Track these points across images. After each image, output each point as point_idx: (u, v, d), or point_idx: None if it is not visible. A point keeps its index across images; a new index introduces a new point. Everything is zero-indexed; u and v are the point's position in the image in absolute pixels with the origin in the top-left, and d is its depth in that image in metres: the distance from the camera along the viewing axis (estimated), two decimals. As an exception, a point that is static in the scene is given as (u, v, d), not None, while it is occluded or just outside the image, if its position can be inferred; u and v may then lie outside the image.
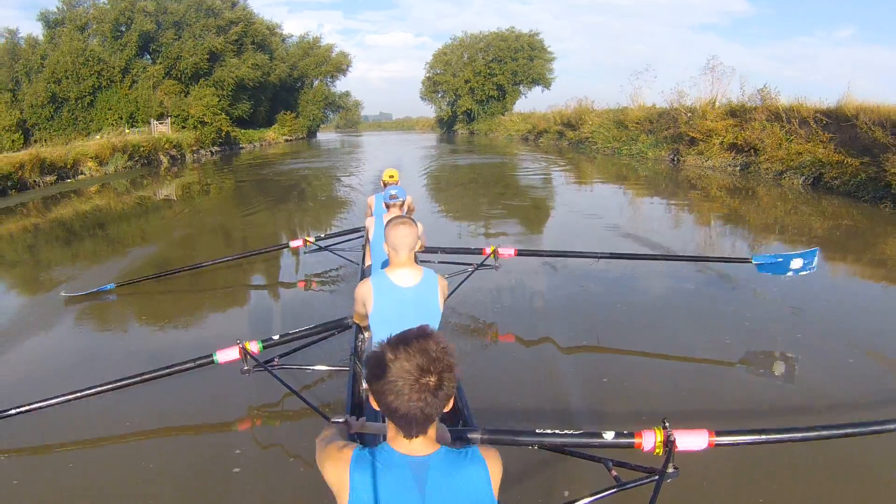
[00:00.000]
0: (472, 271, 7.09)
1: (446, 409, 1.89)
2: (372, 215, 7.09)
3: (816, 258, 7.24)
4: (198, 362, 4.66)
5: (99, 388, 4.70)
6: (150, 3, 43.46)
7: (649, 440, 2.77)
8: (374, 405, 1.87)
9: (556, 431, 2.87)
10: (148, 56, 45.08)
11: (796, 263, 7.22)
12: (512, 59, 66.57)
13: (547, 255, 8.55)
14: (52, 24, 43.59)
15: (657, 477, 2.77)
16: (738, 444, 2.96)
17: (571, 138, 38.28)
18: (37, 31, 46.89)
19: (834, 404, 5.00)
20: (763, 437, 3.01)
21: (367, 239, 6.36)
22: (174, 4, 45.38)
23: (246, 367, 4.59)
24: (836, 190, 16.33)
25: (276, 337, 4.77)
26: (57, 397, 4.67)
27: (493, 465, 1.96)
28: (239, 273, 9.77)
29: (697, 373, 5.60)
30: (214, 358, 4.57)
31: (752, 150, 21.25)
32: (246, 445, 4.63)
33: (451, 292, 6.14)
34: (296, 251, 9.48)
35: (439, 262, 7.56)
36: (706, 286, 8.52)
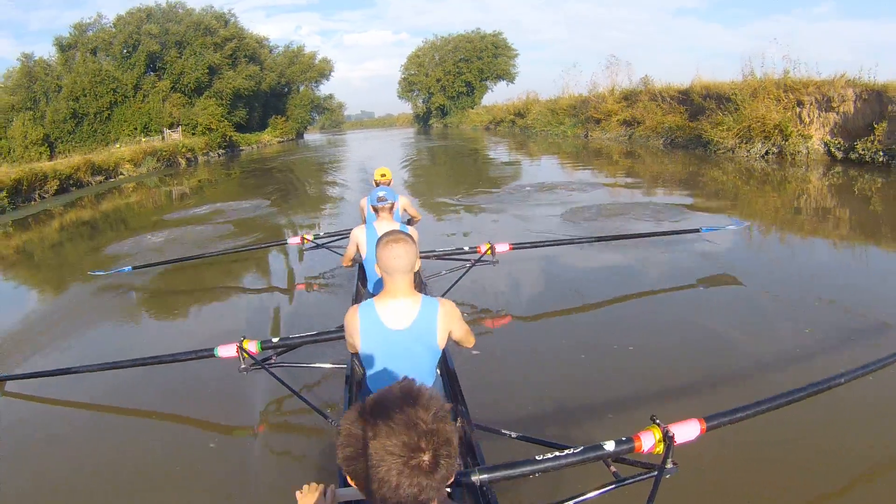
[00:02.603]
0: (470, 266, 7.12)
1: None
2: (364, 221, 6.79)
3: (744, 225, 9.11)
4: (199, 354, 4.78)
5: (107, 365, 5.21)
6: (154, 27, 48.76)
7: (648, 441, 2.76)
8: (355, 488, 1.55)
9: (557, 455, 2.75)
10: (154, 73, 49.93)
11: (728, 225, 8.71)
12: (478, 58, 72.54)
13: (540, 246, 8.23)
14: (65, 47, 48.47)
15: (656, 473, 2.75)
16: (729, 422, 2.98)
17: (521, 125, 45.41)
18: (42, 53, 50.77)
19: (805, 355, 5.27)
20: (752, 410, 3.04)
21: (358, 253, 5.72)
22: (175, 26, 50.55)
23: (243, 366, 4.63)
24: (680, 146, 23.64)
25: (274, 339, 4.76)
26: (69, 370, 5.42)
27: None
28: (240, 269, 10.16)
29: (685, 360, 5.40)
30: (215, 352, 4.66)
31: (636, 123, 28.37)
32: (242, 440, 4.74)
33: (448, 289, 6.57)
34: (294, 247, 9.28)
35: (436, 259, 7.50)
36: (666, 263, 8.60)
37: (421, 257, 6.87)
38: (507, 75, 74.50)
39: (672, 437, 2.75)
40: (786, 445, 3.95)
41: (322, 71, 74.13)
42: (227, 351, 4.64)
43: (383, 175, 7.31)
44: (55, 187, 25.59)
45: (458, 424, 3.19)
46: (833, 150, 18.16)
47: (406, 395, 1.50)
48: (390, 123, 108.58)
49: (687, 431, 2.83)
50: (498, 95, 69.87)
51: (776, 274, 7.88)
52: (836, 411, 4.24)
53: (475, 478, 2.68)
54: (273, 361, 4.83)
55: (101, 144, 43.79)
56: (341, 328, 3.81)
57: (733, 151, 20.52)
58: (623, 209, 12.82)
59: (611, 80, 32.96)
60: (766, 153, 19.60)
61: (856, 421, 4.20)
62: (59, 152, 40.14)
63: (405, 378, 1.59)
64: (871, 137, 16.80)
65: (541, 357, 5.72)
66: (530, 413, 4.67)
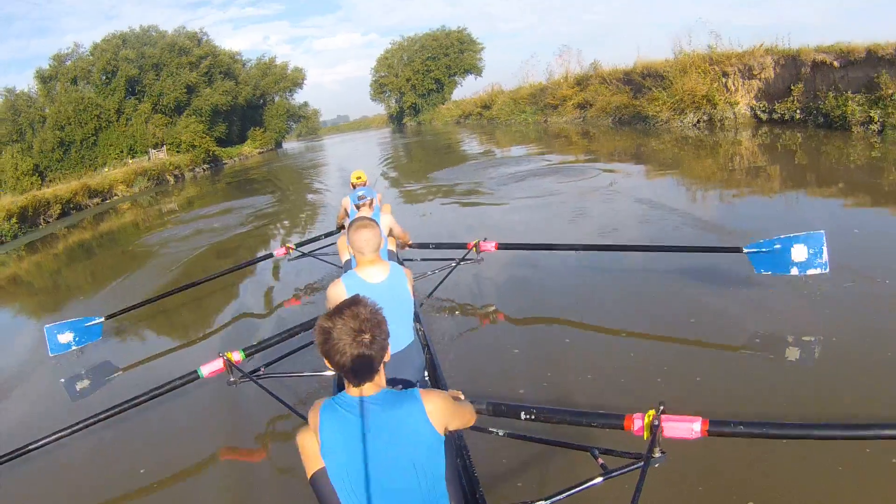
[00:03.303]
0: (456, 265, 7.15)
1: (386, 359, 2.38)
2: (347, 216, 7.70)
3: (824, 244, 5.50)
4: (184, 379, 4.69)
5: (88, 421, 4.58)
6: (131, 52, 50.52)
7: (637, 422, 2.78)
8: (329, 367, 2.36)
9: (549, 406, 3.05)
10: (134, 96, 51.38)
11: (799, 253, 5.53)
12: (445, 55, 74.53)
13: (527, 249, 7.83)
14: (46, 79, 50.25)
15: (642, 463, 2.71)
16: (734, 434, 2.81)
17: (487, 116, 47.81)
18: (15, 82, 52.36)
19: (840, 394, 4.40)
20: (763, 430, 2.80)
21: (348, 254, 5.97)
22: (150, 49, 52.23)
23: (232, 379, 4.66)
24: (626, 123, 26.13)
25: (256, 343, 4.87)
26: (46, 437, 4.52)
27: (430, 403, 2.34)
28: (226, 289, 9.75)
29: (692, 357, 5.18)
30: (199, 372, 4.64)
31: (588, 106, 30.76)
32: (235, 455, 4.80)
33: (436, 287, 6.95)
34: (282, 258, 8.88)
35: (422, 260, 7.78)
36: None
37: (409, 247, 7.28)
38: (474, 69, 76.42)
39: (659, 426, 2.71)
40: (793, 452, 3.70)
41: (295, 80, 75.67)
42: (212, 367, 4.70)
43: (358, 178, 7.90)
44: (58, 211, 27.55)
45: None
46: (759, 112, 20.73)
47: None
48: (366, 125, 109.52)
49: (680, 427, 2.74)
50: (467, 90, 71.65)
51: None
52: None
53: (481, 407, 3.11)
54: (262, 373, 4.91)
55: (90, 169, 45.18)
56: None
57: (668, 123, 23.02)
58: (547, 172, 16.53)
59: (564, 67, 35.66)
60: (698, 122, 22.18)
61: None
62: (50, 180, 41.81)
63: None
64: (790, 98, 19.26)
65: (530, 355, 5.62)
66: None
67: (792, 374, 4.83)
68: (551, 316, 6.61)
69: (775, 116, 19.93)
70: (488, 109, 47.98)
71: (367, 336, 2.25)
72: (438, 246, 7.75)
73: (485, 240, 7.10)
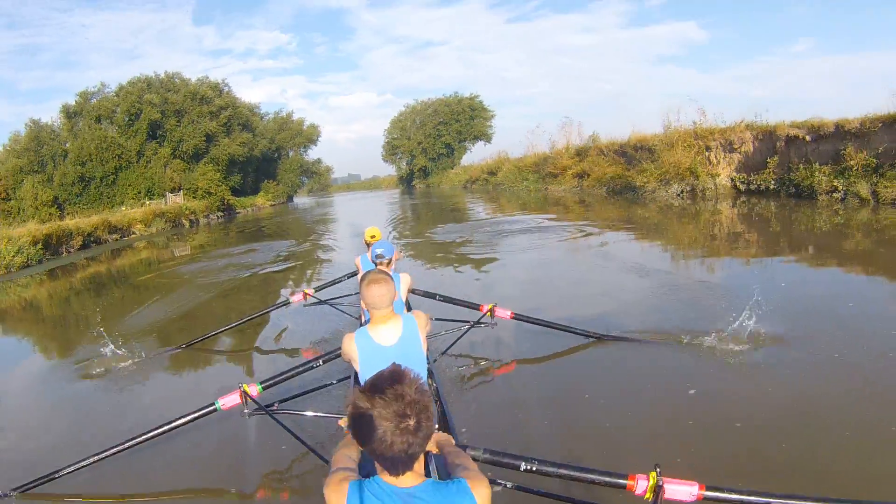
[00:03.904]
0: (469, 328, 6.95)
1: (430, 449, 2.27)
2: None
3: None
4: (203, 411, 4.84)
5: (114, 450, 4.87)
6: (155, 96, 52.78)
7: (642, 484, 2.93)
8: (359, 446, 2.15)
9: (553, 461, 3.06)
10: (155, 140, 53.41)
11: None
12: (456, 121, 76.85)
13: (542, 325, 7.43)
14: (71, 114, 52.59)
15: None
16: (727, 500, 2.97)
17: (493, 182, 49.88)
18: (33, 113, 54.29)
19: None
20: (755, 498, 2.98)
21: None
22: (173, 95, 54.46)
23: (246, 411, 4.74)
24: (618, 193, 27.78)
25: (273, 375, 4.96)
26: (73, 464, 4.86)
27: (480, 496, 2.16)
28: (243, 334, 9.65)
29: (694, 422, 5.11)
30: (217, 405, 4.75)
31: (585, 175, 32.60)
32: (249, 488, 4.75)
33: (447, 349, 6.77)
34: (297, 305, 9.05)
35: (436, 319, 6.80)
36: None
37: (424, 296, 7.40)
38: (483, 136, 78.61)
39: (662, 488, 2.87)
40: None
41: (310, 136, 78.62)
42: (228, 401, 4.76)
43: (373, 236, 7.62)
44: (79, 243, 29.08)
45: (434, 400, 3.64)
46: (738, 183, 22.49)
47: (394, 375, 2.08)
48: (376, 185, 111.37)
49: (681, 490, 2.91)
50: (476, 155, 73.84)
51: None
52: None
53: (475, 453, 3.11)
54: (276, 409, 4.94)
55: (108, 207, 47.18)
56: (337, 350, 4.24)
57: (655, 193, 24.86)
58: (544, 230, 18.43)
59: (565, 138, 37.89)
60: (681, 192, 23.93)
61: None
62: (68, 213, 43.40)
63: (394, 363, 2.18)
64: (766, 170, 21.06)
65: (538, 408, 5.66)
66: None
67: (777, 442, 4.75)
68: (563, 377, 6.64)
69: (752, 187, 21.69)
70: (494, 175, 50.13)
71: (412, 422, 2.01)
72: (451, 300, 7.45)
73: (496, 305, 6.98)
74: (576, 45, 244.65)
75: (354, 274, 8.52)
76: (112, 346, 8.74)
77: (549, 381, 6.52)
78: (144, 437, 4.95)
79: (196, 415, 4.88)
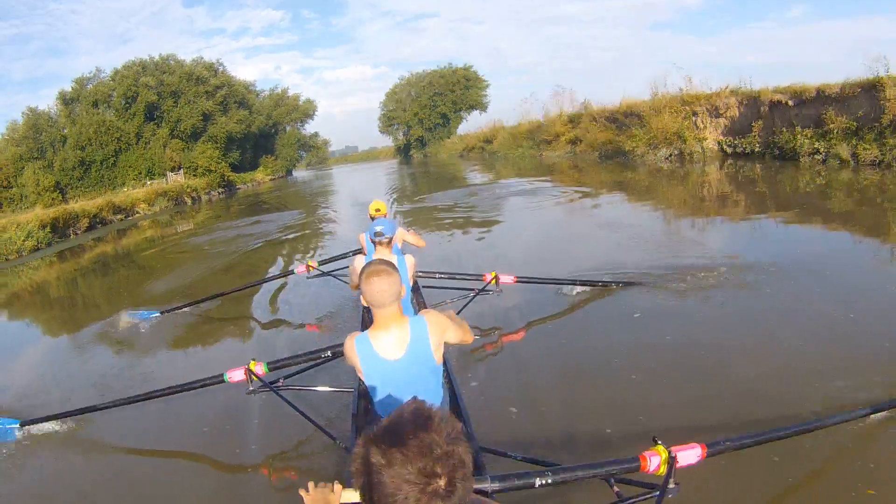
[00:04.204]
0: (474, 296, 6.98)
1: None
2: (365, 255, 6.14)
3: None
4: (210, 381, 4.98)
5: (122, 401, 5.39)
6: (151, 79, 53.18)
7: (654, 461, 2.92)
8: None
9: (567, 466, 2.95)
10: (153, 121, 53.78)
11: None
12: (451, 91, 76.82)
13: (546, 283, 7.79)
14: (68, 101, 52.93)
15: (658, 493, 2.87)
16: (728, 449, 3.19)
17: (489, 150, 50.51)
18: (29, 101, 54.80)
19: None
20: (749, 440, 3.30)
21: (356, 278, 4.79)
22: (169, 77, 54.79)
23: (251, 388, 4.75)
24: (609, 158, 28.50)
25: (281, 358, 4.94)
26: (91, 408, 5.58)
27: None
28: (251, 302, 10.22)
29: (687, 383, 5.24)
30: (224, 377, 4.81)
31: (578, 141, 33.22)
32: (251, 462, 4.82)
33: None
34: (301, 276, 9.20)
35: (439, 288, 7.40)
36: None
37: (425, 276, 6.92)
38: (479, 105, 78.66)
39: (675, 459, 2.91)
40: (791, 469, 3.85)
41: (306, 111, 78.68)
42: (235, 375, 4.78)
43: (378, 210, 7.38)
44: (86, 224, 29.75)
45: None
46: (725, 147, 23.12)
47: (417, 419, 1.51)
48: (374, 156, 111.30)
49: (689, 455, 2.97)
50: (472, 124, 73.95)
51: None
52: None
53: (486, 486, 2.82)
54: (281, 384, 4.87)
55: (109, 189, 47.70)
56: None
57: (644, 157, 25.57)
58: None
59: (558, 106, 38.49)
60: (669, 156, 24.66)
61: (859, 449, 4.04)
62: (70, 197, 43.52)
63: (415, 399, 1.60)
64: (752, 134, 21.68)
65: (543, 380, 5.57)
66: (534, 434, 4.61)
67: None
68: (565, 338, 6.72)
69: (739, 150, 22.34)
70: (490, 144, 50.77)
71: (442, 482, 1.47)
72: (453, 276, 7.47)
73: (498, 272, 7.10)
74: (569, 13, 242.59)
75: (359, 251, 7.85)
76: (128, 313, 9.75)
77: (556, 343, 6.55)
78: (153, 395, 5.36)
79: (203, 383, 5.05)
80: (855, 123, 17.34)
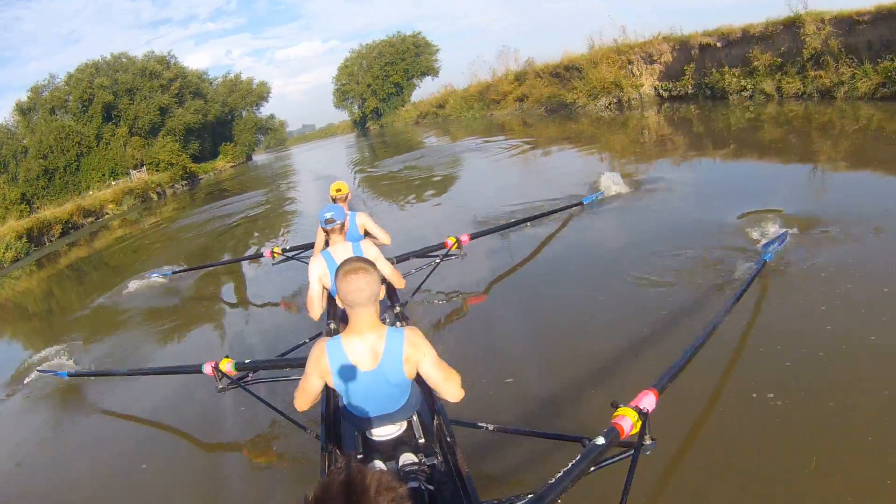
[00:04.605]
0: (438, 263, 7.11)
1: None
2: (326, 244, 5.51)
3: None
4: (188, 368, 5.01)
5: (108, 372, 6.06)
6: (105, 79, 53.33)
7: (626, 424, 2.86)
8: None
9: (564, 470, 2.67)
10: (111, 122, 53.93)
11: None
12: (401, 59, 77.13)
13: (500, 229, 8.47)
14: (25, 110, 52.93)
15: (633, 451, 2.85)
16: (671, 379, 3.29)
17: (442, 115, 51.49)
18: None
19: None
20: (684, 360, 3.45)
21: (318, 285, 4.86)
22: (123, 75, 55.01)
23: (221, 386, 4.70)
24: (554, 111, 29.96)
25: (248, 361, 4.85)
26: (95, 372, 6.49)
27: None
28: (222, 283, 11.21)
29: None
30: (202, 368, 4.80)
31: (525, 98, 34.51)
32: (223, 452, 5.02)
33: (419, 286, 6.96)
34: (267, 259, 9.19)
35: (406, 260, 7.27)
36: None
37: (396, 261, 6.59)
38: (431, 71, 79.08)
39: (647, 413, 2.92)
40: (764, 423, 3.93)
41: (261, 94, 78.31)
42: (208, 368, 4.76)
43: (338, 190, 6.63)
44: (59, 231, 30.52)
45: (434, 423, 3.39)
46: (661, 91, 24.82)
47: (350, 493, 1.36)
48: (332, 133, 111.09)
49: (648, 402, 2.99)
50: (425, 91, 74.42)
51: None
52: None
53: None
54: (250, 379, 4.84)
55: (75, 194, 47.36)
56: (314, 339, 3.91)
57: (585, 108, 27.14)
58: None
59: (504, 65, 39.62)
60: (609, 104, 26.31)
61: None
62: (37, 207, 43.54)
63: (347, 466, 1.44)
64: (685, 78, 23.29)
65: (505, 342, 5.82)
66: (504, 401, 4.66)
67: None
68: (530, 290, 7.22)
69: (674, 94, 24.03)
70: (443, 108, 51.73)
71: None
72: (419, 253, 7.38)
73: (458, 236, 7.23)
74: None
75: (311, 245, 8.09)
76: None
77: (519, 299, 6.98)
78: (133, 373, 6.06)
79: (183, 370, 5.23)
80: (779, 59, 18.73)
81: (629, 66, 25.88)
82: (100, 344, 9.21)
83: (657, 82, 25.15)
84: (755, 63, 19.38)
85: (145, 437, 5.65)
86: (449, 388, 3.14)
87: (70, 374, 6.84)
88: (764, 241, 6.38)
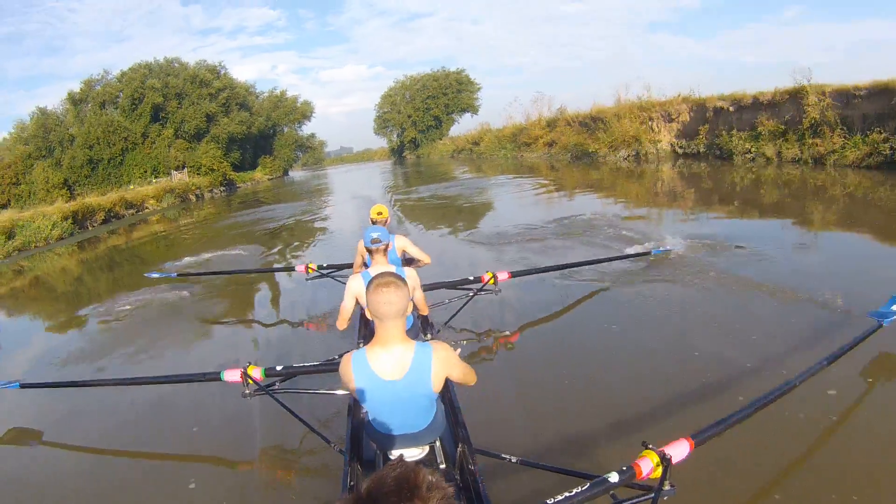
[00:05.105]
0: (473, 295, 7.00)
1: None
2: (364, 265, 6.16)
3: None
4: (206, 376, 4.91)
5: (119, 381, 5.85)
6: (156, 81, 55.55)
7: (646, 466, 2.85)
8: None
9: (567, 496, 2.72)
10: (158, 122, 55.94)
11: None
12: (443, 94, 79.43)
13: (535, 273, 8.05)
14: (76, 101, 55.35)
15: (653, 495, 2.82)
16: (714, 435, 3.19)
17: (476, 152, 53.44)
18: (27, 98, 56.21)
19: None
20: (732, 419, 3.31)
21: (352, 301, 4.99)
22: (174, 79, 57.22)
23: (247, 392, 4.64)
24: (579, 159, 31.48)
25: (279, 367, 4.78)
26: (93, 382, 6.07)
27: None
28: (253, 293, 10.96)
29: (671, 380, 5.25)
30: (221, 376, 4.71)
31: (554, 144, 36.23)
32: (245, 462, 4.82)
33: (452, 317, 6.91)
34: (300, 275, 8.93)
35: (439, 289, 7.14)
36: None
37: (427, 289, 6.24)
38: (470, 108, 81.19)
39: (670, 459, 2.88)
40: (778, 459, 3.92)
41: (304, 113, 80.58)
42: (232, 376, 4.68)
43: (379, 213, 6.84)
44: (101, 218, 32.13)
45: (458, 450, 3.40)
46: (677, 149, 26.57)
47: (402, 489, 1.37)
48: (369, 157, 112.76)
49: (679, 451, 2.98)
50: (464, 126, 76.12)
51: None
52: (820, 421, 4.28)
53: None
54: (277, 387, 4.80)
55: (116, 186, 49.09)
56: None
57: (606, 158, 28.93)
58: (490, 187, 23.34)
59: (537, 111, 41.73)
60: (627, 156, 28.07)
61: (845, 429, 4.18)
62: (78, 194, 45.33)
63: (400, 461, 1.47)
64: (699, 137, 25.05)
65: (538, 381, 5.66)
66: (529, 436, 4.57)
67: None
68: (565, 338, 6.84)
69: (688, 151, 25.80)
70: (478, 146, 53.76)
71: None
72: (453, 284, 7.26)
73: (495, 272, 6.98)
74: (566, 12, 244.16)
75: (349, 266, 7.99)
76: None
77: (550, 341, 6.76)
78: (144, 381, 5.77)
79: (201, 378, 5.04)
80: (783, 126, 20.22)
81: (650, 122, 27.76)
82: (116, 344, 8.72)
83: (674, 139, 26.92)
84: (760, 129, 21.04)
85: (154, 444, 5.45)
86: (470, 379, 3.35)
87: (28, 386, 6.25)
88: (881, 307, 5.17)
